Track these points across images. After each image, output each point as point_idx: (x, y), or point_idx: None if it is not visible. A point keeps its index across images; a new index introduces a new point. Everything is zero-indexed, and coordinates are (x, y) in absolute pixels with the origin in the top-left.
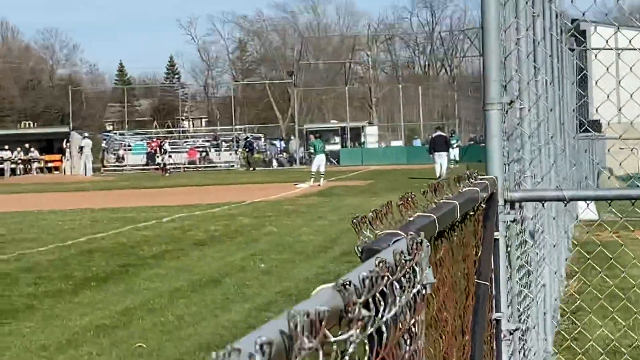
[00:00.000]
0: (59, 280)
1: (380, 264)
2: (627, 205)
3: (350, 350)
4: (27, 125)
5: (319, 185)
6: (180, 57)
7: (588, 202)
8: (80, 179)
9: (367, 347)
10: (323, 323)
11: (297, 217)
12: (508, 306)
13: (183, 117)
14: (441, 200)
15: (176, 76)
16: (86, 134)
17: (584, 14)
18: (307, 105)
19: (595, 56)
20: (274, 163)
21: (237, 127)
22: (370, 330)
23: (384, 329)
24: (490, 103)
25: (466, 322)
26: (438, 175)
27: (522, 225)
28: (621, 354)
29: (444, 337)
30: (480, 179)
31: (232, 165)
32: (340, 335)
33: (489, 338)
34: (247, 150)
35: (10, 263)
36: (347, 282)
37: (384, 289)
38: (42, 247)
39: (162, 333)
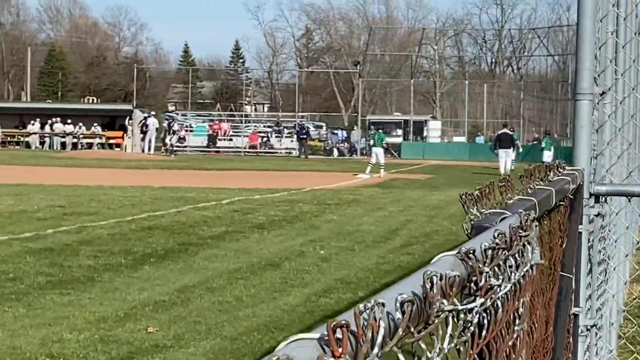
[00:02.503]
0: (119, 255)
1: (500, 236)
2: None
3: (475, 320)
4: (90, 101)
5: (380, 176)
6: (245, 42)
7: None
8: (141, 157)
9: (485, 321)
10: (454, 289)
11: (357, 207)
12: (586, 301)
13: (246, 102)
14: (537, 187)
15: (241, 60)
16: (153, 113)
17: None
18: (371, 96)
19: None
20: (335, 152)
21: (300, 114)
22: (488, 303)
23: (499, 304)
24: (581, 93)
25: (550, 313)
26: (502, 172)
27: (603, 220)
28: None
29: (536, 324)
30: (569, 170)
31: (290, 152)
32: (466, 303)
33: (566, 332)
34: (299, 137)
35: (71, 235)
36: (472, 251)
37: (500, 263)
38: (103, 221)
39: (220, 312)
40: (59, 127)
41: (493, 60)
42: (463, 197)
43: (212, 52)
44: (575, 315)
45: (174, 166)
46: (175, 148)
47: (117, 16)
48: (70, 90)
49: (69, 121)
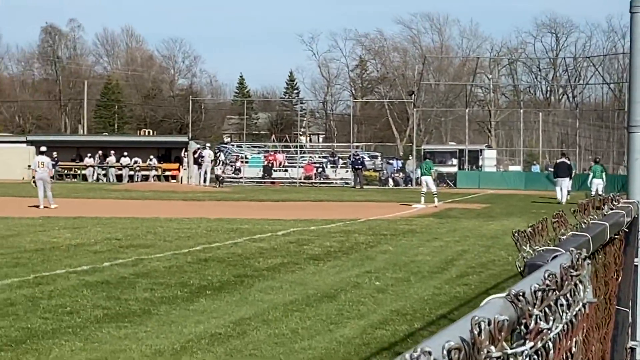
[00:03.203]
0: (175, 287)
1: (550, 277)
2: None
3: None
4: (146, 133)
5: (435, 206)
6: (300, 73)
7: None
8: (196, 189)
9: None
10: (503, 333)
11: (413, 237)
12: None
13: (301, 132)
14: (591, 221)
15: (295, 91)
16: (207, 145)
17: None
18: (426, 125)
19: None
20: (390, 182)
21: (355, 144)
22: (539, 345)
23: (550, 345)
24: (634, 125)
25: (606, 347)
26: (559, 200)
27: None
28: None
29: None
30: (624, 203)
31: (348, 183)
32: (516, 347)
33: None
34: (354, 167)
35: (128, 267)
36: (521, 293)
37: (551, 303)
38: (159, 254)
39: (277, 345)
40: (115, 159)
41: (548, 88)
42: (515, 234)
43: (266, 83)
44: (632, 349)
45: (229, 197)
46: (221, 178)
47: (172, 48)
48: (127, 122)
49: (125, 154)
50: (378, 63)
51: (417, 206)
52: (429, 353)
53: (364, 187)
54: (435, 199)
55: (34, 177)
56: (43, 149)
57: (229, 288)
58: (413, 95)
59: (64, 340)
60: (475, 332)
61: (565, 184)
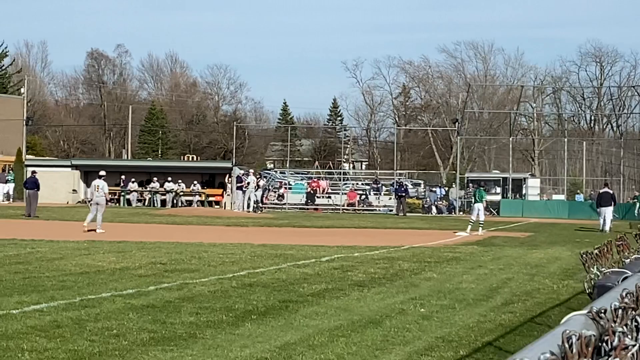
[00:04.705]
0: (220, 311)
1: (628, 295)
2: None
3: None
4: (190, 159)
5: (479, 234)
6: (344, 100)
7: None
8: (239, 215)
9: None
10: (590, 348)
11: (457, 265)
12: None
13: (344, 159)
14: None
15: (339, 118)
16: (251, 171)
17: None
18: (469, 153)
19: None
20: (433, 210)
21: (398, 171)
22: None
23: None
24: None
25: None
26: (601, 229)
27: None
28: None
29: None
30: None
31: (391, 210)
32: None
33: None
34: (397, 194)
35: (173, 292)
36: (603, 310)
37: (629, 322)
38: (204, 278)
39: None
40: (158, 184)
41: (592, 117)
42: (584, 255)
43: (310, 110)
44: None
45: (272, 223)
46: (259, 205)
47: (216, 75)
48: (170, 148)
49: (169, 179)
50: (422, 90)
51: (460, 234)
52: None
53: (407, 214)
54: (480, 228)
55: (90, 200)
56: (102, 173)
57: (274, 313)
58: (457, 123)
59: None
60: (567, 346)
61: (608, 213)
